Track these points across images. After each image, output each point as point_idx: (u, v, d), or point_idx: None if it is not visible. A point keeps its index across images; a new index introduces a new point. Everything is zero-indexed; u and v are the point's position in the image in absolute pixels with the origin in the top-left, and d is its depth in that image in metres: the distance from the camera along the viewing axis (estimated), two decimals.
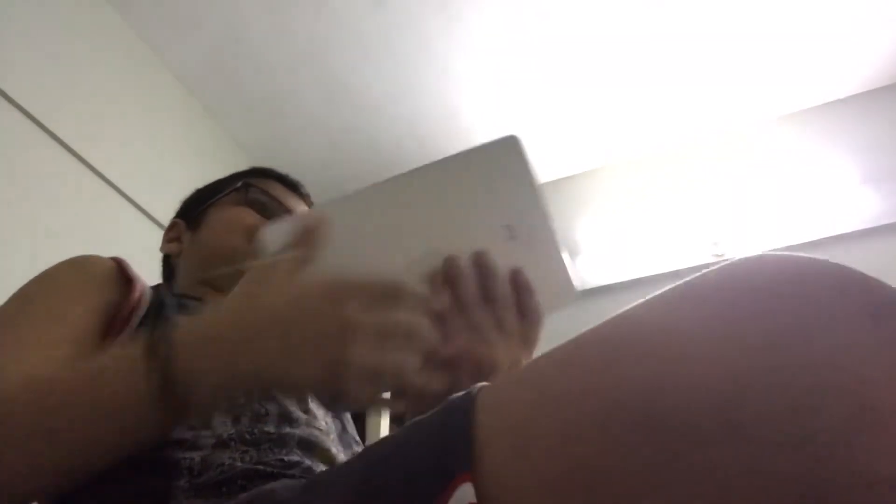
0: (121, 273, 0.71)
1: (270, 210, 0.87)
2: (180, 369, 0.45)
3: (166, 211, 2.64)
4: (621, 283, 2.77)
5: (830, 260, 0.33)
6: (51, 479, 0.47)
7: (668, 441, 0.28)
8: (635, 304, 0.37)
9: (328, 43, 2.60)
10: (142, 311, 0.68)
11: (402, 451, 0.38)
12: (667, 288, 0.36)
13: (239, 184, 0.89)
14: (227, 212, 0.87)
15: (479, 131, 2.98)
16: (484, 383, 0.39)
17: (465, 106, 2.86)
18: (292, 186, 0.96)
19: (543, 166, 3.17)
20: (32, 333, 0.60)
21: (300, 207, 0.93)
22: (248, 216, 0.85)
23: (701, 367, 0.30)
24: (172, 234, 0.92)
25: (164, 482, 0.55)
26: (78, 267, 0.69)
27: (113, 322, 0.66)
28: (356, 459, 0.42)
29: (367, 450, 0.44)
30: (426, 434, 0.37)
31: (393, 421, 2.25)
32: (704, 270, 0.36)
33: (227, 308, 0.50)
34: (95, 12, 2.35)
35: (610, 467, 0.29)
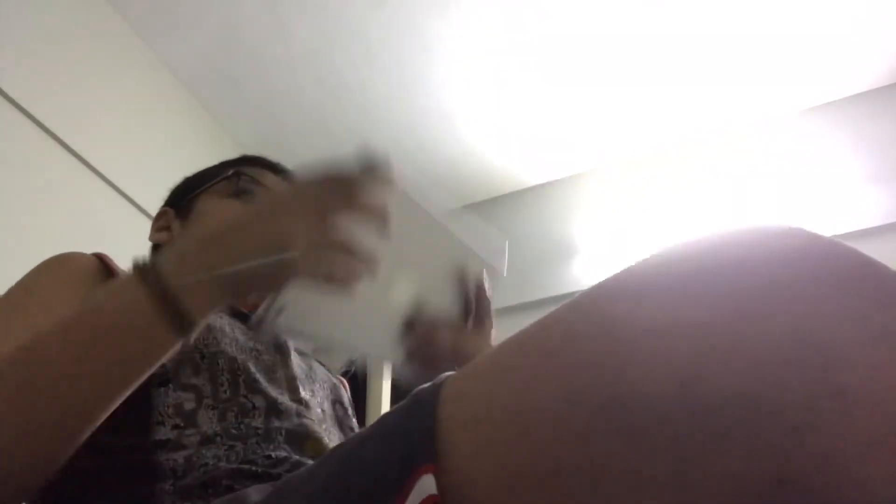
0: (103, 268, 0.70)
1: None
2: (171, 281, 0.48)
3: None
4: None
5: (801, 227, 0.31)
6: (53, 441, 0.46)
7: (629, 424, 0.27)
8: (595, 284, 0.36)
9: (328, 43, 2.60)
10: None
11: (368, 445, 0.37)
12: (627, 266, 0.34)
13: (230, 172, 0.87)
14: (217, 203, 0.85)
15: (479, 132, 2.98)
16: (450, 373, 0.38)
17: (465, 106, 2.86)
18: (283, 174, 0.94)
19: (543, 166, 3.17)
20: (14, 334, 0.58)
21: None
22: (236, 209, 0.82)
23: (661, 344, 0.28)
24: (161, 223, 0.91)
25: (147, 487, 0.54)
26: (56, 265, 0.68)
27: None
28: (326, 456, 0.42)
29: (336, 446, 0.44)
30: (391, 427, 0.37)
31: (394, 389, 2.24)
32: (667, 246, 0.33)
33: (212, 221, 0.55)
34: (95, 12, 2.35)
35: (570, 453, 0.29)
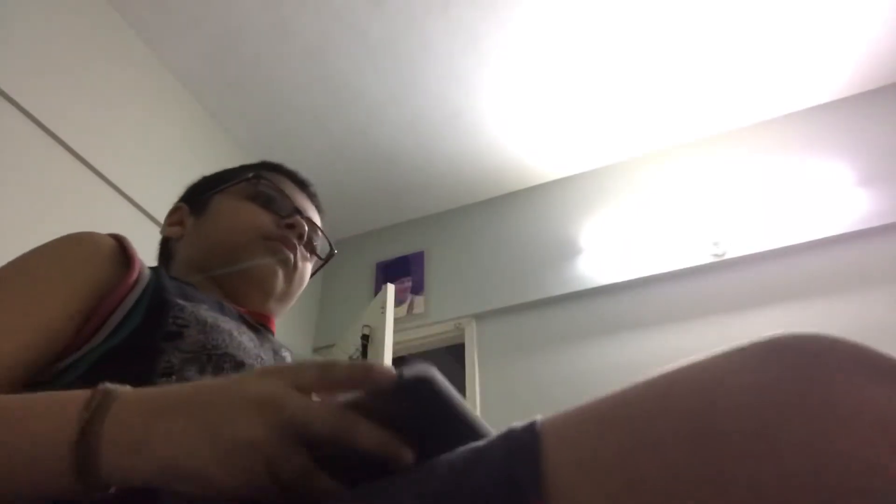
0: (121, 252, 0.68)
1: (277, 206, 0.84)
2: (104, 430, 0.42)
3: (164, 210, 2.65)
4: (621, 284, 2.77)
5: (831, 335, 0.37)
6: None
7: (711, 454, 0.34)
8: (673, 365, 0.41)
9: (328, 43, 2.60)
10: (137, 293, 0.64)
11: (467, 481, 0.38)
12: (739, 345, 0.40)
13: (249, 175, 0.86)
14: (234, 204, 0.83)
15: (480, 132, 2.98)
16: (540, 417, 0.41)
17: (466, 107, 2.86)
18: (301, 184, 0.93)
19: (545, 166, 3.17)
20: (5, 315, 0.57)
21: (307, 207, 0.90)
22: (254, 213, 0.82)
23: (739, 398, 0.35)
24: (175, 218, 0.88)
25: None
26: (73, 243, 0.66)
27: (104, 302, 0.62)
28: (405, 488, 0.39)
29: (416, 478, 0.39)
30: (493, 464, 0.38)
31: None
32: (741, 344, 0.39)
33: (178, 387, 0.46)
34: (95, 12, 2.35)
35: (664, 479, 0.34)
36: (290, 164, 0.95)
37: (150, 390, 0.45)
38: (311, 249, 0.89)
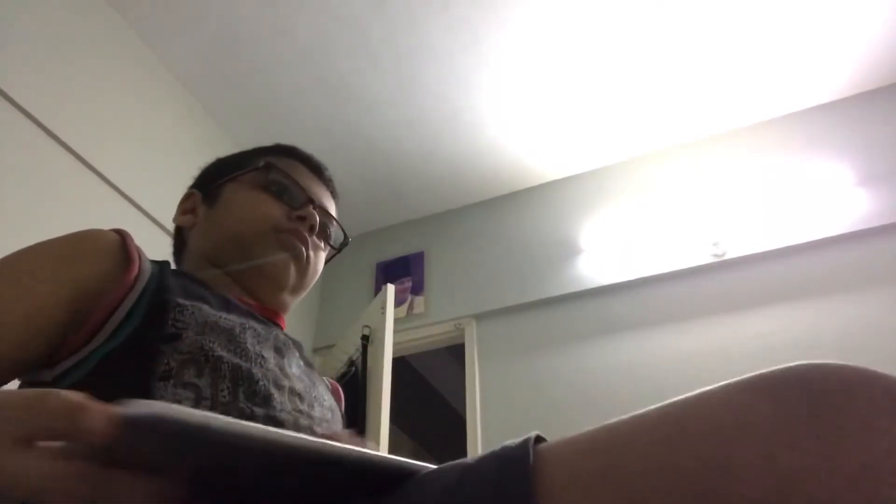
0: (122, 248, 0.66)
1: (290, 195, 0.83)
2: None
3: (164, 209, 2.65)
4: (621, 284, 2.77)
5: (850, 365, 0.35)
6: None
7: None
8: (684, 396, 0.39)
9: (328, 43, 2.60)
10: (138, 292, 0.62)
11: (464, 488, 0.37)
12: (714, 386, 0.38)
13: (261, 163, 0.84)
14: (245, 194, 0.82)
15: (480, 132, 2.98)
16: (534, 438, 0.40)
17: (466, 107, 2.86)
18: (316, 169, 0.91)
19: (545, 166, 3.17)
20: None
21: (321, 194, 0.88)
22: (266, 204, 0.80)
23: (754, 453, 0.32)
24: (187, 206, 0.86)
25: None
26: (72, 240, 0.65)
27: (103, 301, 0.60)
28: (412, 488, 0.40)
29: (408, 489, 0.40)
30: (484, 479, 0.37)
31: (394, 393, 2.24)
32: (769, 370, 0.37)
33: None
34: (95, 12, 2.35)
35: None
36: None
37: None
38: (325, 238, 0.87)
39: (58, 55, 2.14)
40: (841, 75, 2.70)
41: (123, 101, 2.39)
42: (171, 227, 2.44)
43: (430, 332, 3.07)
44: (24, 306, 0.58)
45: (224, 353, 0.61)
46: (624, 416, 0.39)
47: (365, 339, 2.47)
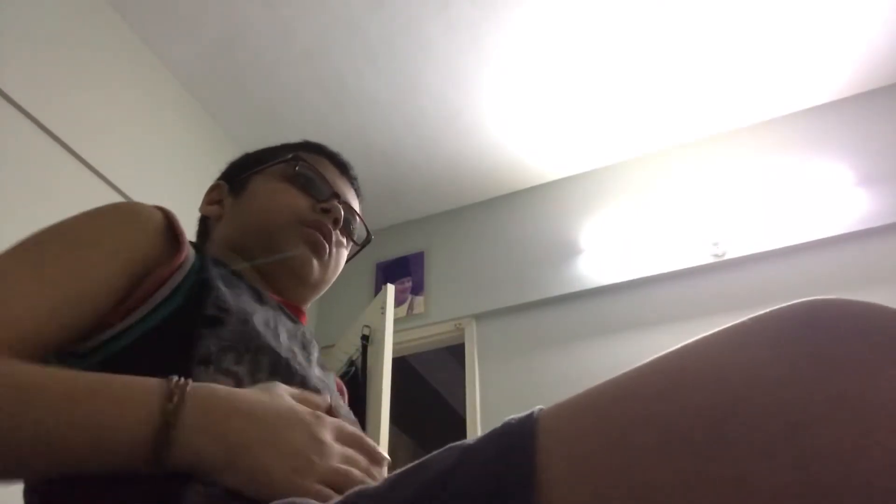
0: (169, 228, 0.66)
1: (316, 188, 0.83)
2: (184, 419, 0.49)
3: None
4: (621, 284, 2.77)
5: (850, 300, 0.34)
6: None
7: (734, 462, 0.30)
8: (685, 342, 0.38)
9: (328, 43, 2.60)
10: (183, 274, 0.63)
11: (460, 473, 0.37)
12: (716, 329, 0.38)
13: (289, 156, 0.85)
14: (271, 185, 0.82)
15: (480, 132, 2.98)
16: (542, 407, 0.40)
17: (466, 107, 2.86)
18: (342, 167, 0.92)
19: (545, 166, 3.17)
20: (47, 275, 0.57)
21: (346, 190, 0.89)
22: (291, 195, 0.81)
23: (760, 396, 0.31)
24: (214, 196, 0.87)
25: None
26: (122, 214, 0.64)
27: (149, 279, 0.61)
28: (398, 481, 0.41)
29: (407, 473, 0.41)
30: (485, 457, 0.37)
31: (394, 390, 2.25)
32: (762, 313, 0.36)
33: (242, 392, 0.55)
34: (95, 12, 2.35)
35: (674, 488, 0.31)
36: None
37: (218, 391, 0.53)
38: (348, 234, 0.88)
39: (58, 55, 2.14)
40: (841, 75, 2.70)
41: (123, 101, 2.39)
42: None
43: (430, 332, 3.07)
44: (82, 276, 0.58)
45: (262, 344, 0.62)
46: (629, 370, 0.38)
47: (365, 339, 2.47)
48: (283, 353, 0.64)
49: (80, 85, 2.20)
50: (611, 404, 0.36)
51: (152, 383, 0.51)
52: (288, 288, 0.80)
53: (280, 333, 0.67)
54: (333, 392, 0.74)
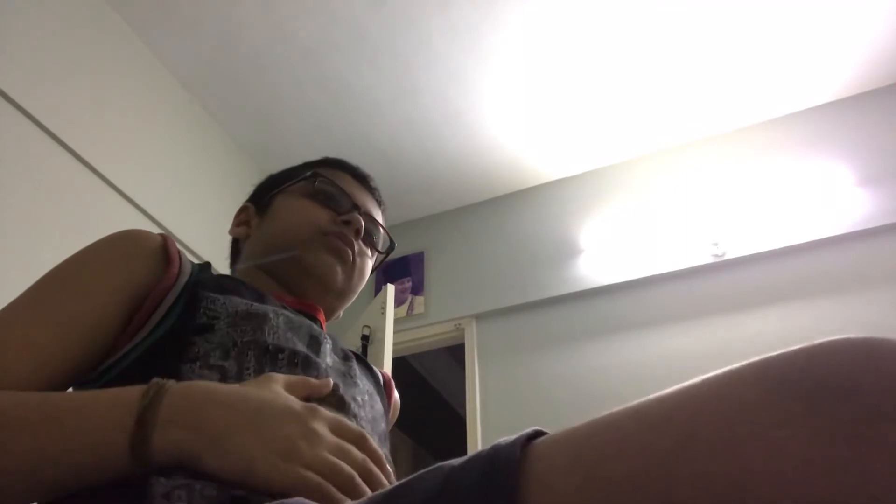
0: (163, 249, 0.69)
1: (336, 202, 0.86)
2: (159, 414, 0.49)
3: (165, 211, 2.65)
4: (621, 284, 2.77)
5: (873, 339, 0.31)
6: None
7: None
8: (694, 381, 0.35)
9: (328, 43, 2.60)
10: (178, 290, 0.65)
11: (444, 501, 0.36)
12: (729, 368, 0.34)
13: (308, 173, 0.88)
14: (293, 202, 0.85)
15: (480, 132, 2.98)
16: (537, 429, 0.39)
17: (465, 107, 2.86)
18: (362, 179, 0.95)
19: (545, 166, 3.17)
20: (45, 316, 0.60)
21: (366, 201, 0.92)
22: (312, 210, 0.83)
23: (779, 465, 0.28)
24: (242, 218, 0.90)
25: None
26: (119, 243, 0.68)
27: (147, 301, 0.64)
28: (381, 503, 0.40)
29: (390, 496, 0.40)
30: (468, 483, 0.36)
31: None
32: (776, 357, 0.32)
33: (223, 385, 0.54)
34: (95, 13, 2.35)
35: None
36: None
37: (197, 384, 0.53)
38: (370, 244, 0.89)
39: (58, 56, 2.14)
40: (841, 75, 2.70)
41: (124, 101, 2.39)
42: (170, 226, 2.44)
43: (430, 332, 3.07)
44: (87, 319, 0.61)
45: (252, 338, 0.63)
46: (628, 409, 0.35)
47: (365, 339, 2.47)
48: (274, 341, 0.64)
49: (80, 85, 2.20)
50: (602, 456, 0.34)
51: (131, 390, 0.52)
52: (313, 295, 0.82)
53: (279, 323, 0.67)
54: (359, 386, 0.73)
